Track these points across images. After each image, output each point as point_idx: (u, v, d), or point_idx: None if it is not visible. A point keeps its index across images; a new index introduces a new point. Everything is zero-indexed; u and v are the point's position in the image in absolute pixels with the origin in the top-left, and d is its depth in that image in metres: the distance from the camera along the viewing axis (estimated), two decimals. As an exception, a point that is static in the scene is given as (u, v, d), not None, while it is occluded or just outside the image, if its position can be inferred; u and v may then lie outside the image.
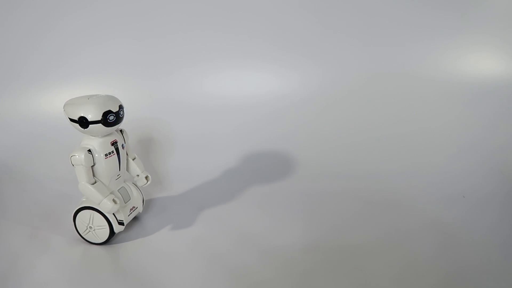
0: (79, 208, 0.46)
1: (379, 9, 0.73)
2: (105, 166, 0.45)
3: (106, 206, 0.44)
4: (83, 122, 0.42)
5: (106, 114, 0.42)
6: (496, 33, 0.73)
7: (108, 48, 0.74)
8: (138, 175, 0.50)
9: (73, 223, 0.47)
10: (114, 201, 0.44)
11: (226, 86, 0.74)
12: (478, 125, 0.68)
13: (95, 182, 0.45)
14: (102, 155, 0.44)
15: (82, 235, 0.47)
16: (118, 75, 0.74)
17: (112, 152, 0.45)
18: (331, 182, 0.60)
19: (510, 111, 0.70)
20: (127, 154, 0.49)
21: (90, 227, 0.46)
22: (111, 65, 0.74)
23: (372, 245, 0.46)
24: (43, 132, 0.69)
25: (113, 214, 0.46)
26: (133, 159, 0.50)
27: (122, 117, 0.44)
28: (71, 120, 0.43)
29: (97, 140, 0.44)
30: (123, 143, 0.48)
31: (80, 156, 0.43)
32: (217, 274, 0.42)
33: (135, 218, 0.52)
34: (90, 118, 0.42)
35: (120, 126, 0.46)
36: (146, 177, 0.50)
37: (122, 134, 0.48)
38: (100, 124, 0.42)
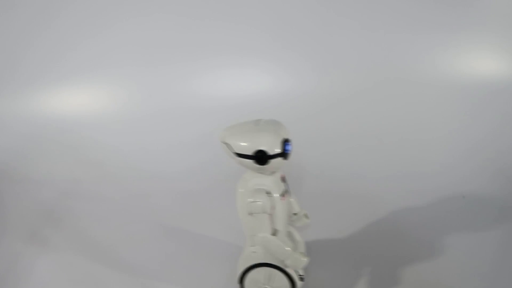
0: (252, 266, 0.37)
1: (377, 9, 0.73)
2: (281, 209, 0.35)
3: (298, 261, 0.35)
4: (262, 158, 0.33)
5: (284, 143, 0.33)
6: (499, 33, 0.73)
7: (105, 46, 0.73)
8: (295, 214, 0.40)
9: (239, 285, 0.38)
10: (302, 253, 0.36)
11: (223, 86, 0.74)
12: (481, 128, 0.68)
13: (275, 232, 0.35)
14: (278, 196, 0.35)
15: None
16: (117, 73, 0.74)
17: (286, 190, 0.36)
18: (330, 183, 0.60)
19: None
20: None
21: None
22: (109, 64, 0.74)
23: (372, 246, 0.46)
24: (42, 132, 0.69)
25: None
26: None
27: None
28: (240, 155, 0.33)
29: (268, 177, 0.35)
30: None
31: (265, 203, 0.34)
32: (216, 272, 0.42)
33: None
34: (271, 151, 0.33)
35: None
36: (305, 215, 0.41)
37: None
38: (280, 158, 0.33)
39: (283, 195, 0.35)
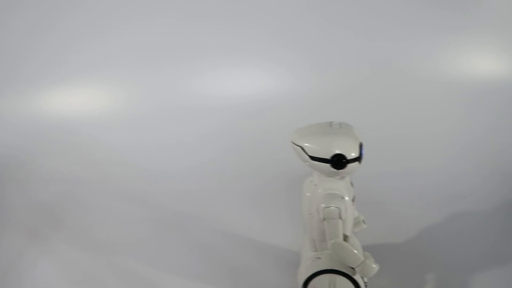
0: (318, 272, 0.35)
1: (378, 9, 0.73)
2: (350, 214, 0.34)
3: (369, 268, 0.33)
4: (339, 162, 0.32)
5: (360, 147, 0.32)
6: (498, 33, 0.73)
7: (106, 47, 0.73)
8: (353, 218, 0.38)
9: None
10: (372, 260, 0.34)
11: (223, 86, 0.74)
12: (479, 126, 0.68)
13: (345, 238, 0.34)
14: (350, 201, 0.34)
15: None
16: (118, 74, 0.74)
17: (354, 196, 0.35)
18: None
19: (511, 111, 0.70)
20: None
21: None
22: (110, 64, 0.74)
23: (371, 246, 0.46)
24: (43, 131, 0.69)
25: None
26: None
27: None
28: (315, 158, 0.32)
29: (340, 182, 0.33)
30: None
31: (340, 208, 0.32)
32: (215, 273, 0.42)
33: None
34: (348, 155, 0.32)
35: None
36: (363, 220, 0.40)
37: None
38: (356, 162, 0.32)
39: (352, 200, 0.34)
